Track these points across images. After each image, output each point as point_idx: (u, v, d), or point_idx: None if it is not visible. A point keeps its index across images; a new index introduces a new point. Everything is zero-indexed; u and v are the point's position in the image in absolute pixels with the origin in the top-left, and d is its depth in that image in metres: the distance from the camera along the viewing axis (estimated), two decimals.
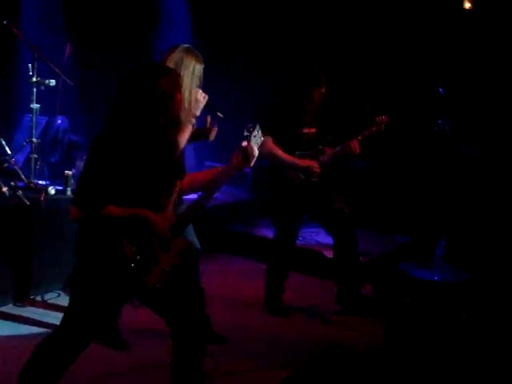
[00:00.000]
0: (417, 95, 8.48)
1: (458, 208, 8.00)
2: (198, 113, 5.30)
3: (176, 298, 4.16)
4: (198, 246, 5.58)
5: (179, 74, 4.22)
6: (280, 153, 6.32)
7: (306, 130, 6.44)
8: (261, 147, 4.35)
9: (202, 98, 5.30)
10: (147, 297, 4.05)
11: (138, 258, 3.88)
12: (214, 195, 4.36)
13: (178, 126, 4.11)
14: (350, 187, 7.22)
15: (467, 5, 8.36)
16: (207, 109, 5.41)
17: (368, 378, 4.36)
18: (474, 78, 8.32)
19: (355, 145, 6.36)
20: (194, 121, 5.26)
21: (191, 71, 5.19)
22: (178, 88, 4.03)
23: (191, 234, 5.53)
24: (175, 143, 4.26)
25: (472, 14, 8.31)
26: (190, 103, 5.18)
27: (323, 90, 6.34)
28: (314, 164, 6.38)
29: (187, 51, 5.25)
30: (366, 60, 8.87)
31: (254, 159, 4.30)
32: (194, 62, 5.23)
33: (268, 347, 5.90)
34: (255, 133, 4.50)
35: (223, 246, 8.33)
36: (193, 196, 4.38)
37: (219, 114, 5.41)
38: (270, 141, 6.22)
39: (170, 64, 5.05)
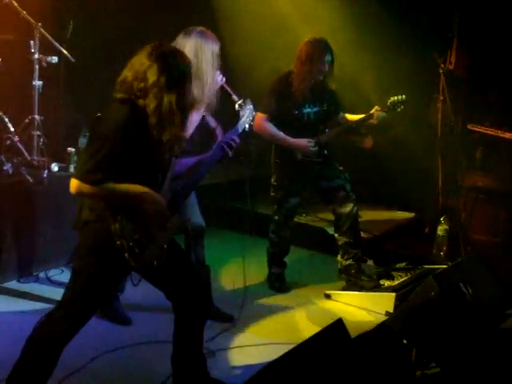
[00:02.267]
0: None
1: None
2: (212, 92, 5.22)
3: (175, 273, 4.24)
4: (203, 223, 5.60)
5: (192, 64, 4.17)
6: (273, 131, 6.34)
7: (306, 110, 6.41)
8: (253, 123, 4.39)
9: (219, 79, 5.27)
10: (146, 273, 4.09)
11: (136, 236, 3.90)
12: (200, 180, 4.41)
13: (187, 112, 4.08)
14: (354, 163, 7.18)
15: None
16: (223, 91, 5.32)
17: (361, 362, 4.38)
18: None
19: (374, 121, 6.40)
20: (207, 101, 5.20)
21: (211, 55, 5.12)
22: (190, 76, 4.03)
23: (195, 211, 5.54)
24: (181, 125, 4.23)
25: None
26: (209, 86, 5.12)
27: (325, 68, 6.31)
28: (305, 143, 6.36)
29: (203, 35, 5.17)
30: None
31: (234, 147, 4.38)
32: (211, 45, 5.15)
33: (270, 323, 5.95)
34: (247, 108, 4.54)
35: (226, 223, 8.33)
36: None
37: (234, 97, 5.28)
38: (263, 118, 6.27)
39: (187, 50, 4.91)
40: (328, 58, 6.25)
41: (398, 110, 6.36)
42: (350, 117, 6.60)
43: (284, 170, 6.49)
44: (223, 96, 5.31)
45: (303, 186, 6.62)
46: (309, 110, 6.40)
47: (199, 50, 5.01)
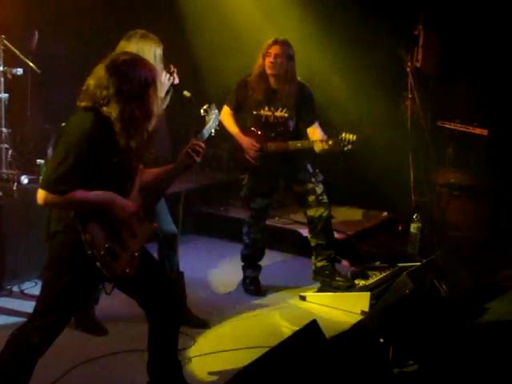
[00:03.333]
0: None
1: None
2: (162, 94, 5.25)
3: (147, 280, 4.23)
4: (175, 230, 5.58)
5: (154, 67, 4.16)
6: (229, 124, 6.46)
7: (264, 112, 6.39)
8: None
9: (166, 79, 5.28)
10: (119, 281, 4.07)
11: (108, 244, 3.88)
12: (167, 188, 4.40)
13: (151, 118, 4.07)
14: (325, 163, 7.17)
15: None
16: (174, 90, 5.39)
17: (337, 362, 4.38)
18: None
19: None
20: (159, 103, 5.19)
21: (153, 57, 5.09)
22: (153, 83, 4.02)
23: (167, 218, 5.52)
24: (146, 131, 4.21)
25: None
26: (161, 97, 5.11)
27: (272, 60, 6.19)
28: (248, 145, 6.38)
29: (145, 38, 5.17)
30: None
31: (201, 154, 4.38)
32: (154, 48, 5.16)
33: (245, 327, 5.94)
34: (212, 112, 4.54)
35: (200, 228, 8.32)
36: None
37: (185, 92, 5.36)
38: (226, 110, 6.47)
39: None
40: (275, 49, 6.20)
41: (345, 148, 6.20)
42: (310, 132, 6.53)
43: (251, 169, 6.50)
44: (176, 94, 5.40)
45: (271, 187, 6.61)
46: (268, 113, 6.39)
47: (141, 53, 4.91)
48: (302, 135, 6.49)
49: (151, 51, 5.12)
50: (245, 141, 6.40)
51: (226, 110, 6.49)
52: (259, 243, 6.73)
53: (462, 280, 5.81)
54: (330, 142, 6.20)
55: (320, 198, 6.51)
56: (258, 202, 6.60)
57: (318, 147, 6.25)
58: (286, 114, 6.37)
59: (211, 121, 4.69)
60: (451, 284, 5.42)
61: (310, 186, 6.51)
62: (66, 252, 3.93)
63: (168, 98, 5.41)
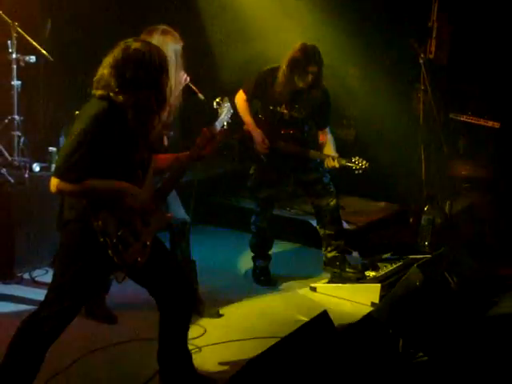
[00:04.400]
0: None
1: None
2: (176, 94, 5.25)
3: (158, 270, 4.23)
4: (187, 219, 5.59)
5: (165, 54, 4.16)
6: (244, 112, 6.42)
7: (281, 110, 6.37)
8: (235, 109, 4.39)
9: (183, 80, 5.28)
10: (130, 270, 4.08)
11: (120, 233, 3.89)
12: (183, 175, 4.40)
13: (164, 105, 4.08)
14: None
15: None
16: (188, 91, 5.38)
17: (347, 353, 4.38)
18: None
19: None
20: (171, 102, 5.17)
21: (174, 55, 5.09)
22: (167, 71, 4.02)
23: (179, 206, 5.54)
24: (157, 119, 4.22)
25: None
26: (173, 87, 5.06)
27: (307, 79, 6.19)
28: (259, 141, 6.36)
29: (165, 34, 5.17)
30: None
31: (217, 141, 4.39)
32: (174, 45, 5.15)
33: (255, 317, 5.95)
34: (225, 106, 4.54)
35: (211, 218, 8.32)
36: None
37: (200, 95, 5.37)
38: (241, 96, 6.42)
39: None
40: (313, 69, 6.17)
41: (356, 172, 6.28)
42: (322, 137, 6.56)
43: (259, 158, 6.48)
44: (189, 95, 5.39)
45: (278, 177, 6.60)
46: (285, 111, 6.37)
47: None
48: (314, 141, 6.53)
49: (171, 48, 5.11)
50: (257, 135, 6.38)
51: (241, 95, 6.44)
52: (266, 232, 6.72)
53: (472, 272, 5.80)
54: (343, 162, 6.26)
55: (327, 186, 6.52)
56: (263, 192, 6.59)
57: (329, 163, 6.29)
58: (303, 116, 6.39)
59: (223, 113, 4.68)
60: (461, 277, 5.42)
61: (317, 175, 6.51)
62: (77, 240, 3.93)
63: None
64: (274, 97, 6.34)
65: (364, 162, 6.23)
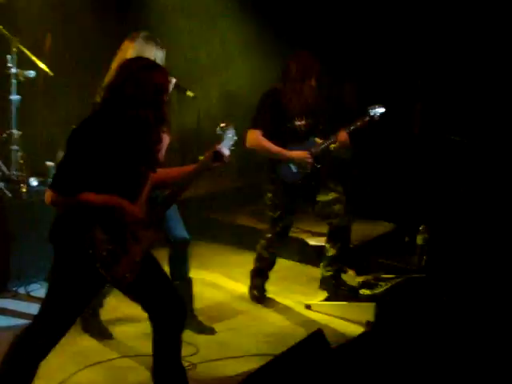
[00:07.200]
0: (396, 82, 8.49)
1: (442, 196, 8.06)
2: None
3: (150, 286, 4.22)
4: (187, 236, 5.59)
5: (168, 71, 4.18)
6: (270, 145, 6.22)
7: (297, 123, 6.34)
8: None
9: (172, 83, 5.31)
10: (120, 285, 4.09)
11: (110, 247, 3.91)
12: (186, 190, 4.39)
13: (165, 122, 4.09)
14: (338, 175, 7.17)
15: None
16: (177, 91, 5.49)
17: (341, 372, 4.38)
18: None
19: (343, 136, 6.33)
20: None
21: (153, 59, 5.07)
22: (168, 87, 4.05)
23: (178, 223, 5.54)
24: (159, 137, 4.22)
25: None
26: None
27: (313, 83, 6.28)
28: (305, 155, 6.28)
29: (147, 40, 5.22)
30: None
31: (227, 160, 4.37)
32: (155, 51, 5.19)
33: (250, 334, 5.93)
34: (229, 132, 4.51)
35: (207, 235, 8.32)
36: None
37: (189, 92, 5.47)
38: (258, 133, 6.20)
39: (129, 55, 4.96)
40: (318, 72, 6.26)
41: (375, 118, 6.36)
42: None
43: (283, 186, 6.38)
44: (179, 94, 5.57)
45: (297, 201, 6.52)
46: (299, 122, 6.35)
47: (140, 54, 4.92)
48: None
49: (152, 53, 5.13)
50: (296, 154, 6.27)
51: (256, 133, 6.21)
52: (275, 257, 6.69)
53: None
54: (368, 115, 6.37)
55: (344, 207, 6.44)
56: (287, 219, 6.54)
57: (342, 137, 6.33)
58: (312, 122, 6.40)
59: (226, 139, 4.61)
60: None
61: (336, 195, 6.48)
62: (69, 254, 3.95)
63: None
64: (287, 113, 6.29)
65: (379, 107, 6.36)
